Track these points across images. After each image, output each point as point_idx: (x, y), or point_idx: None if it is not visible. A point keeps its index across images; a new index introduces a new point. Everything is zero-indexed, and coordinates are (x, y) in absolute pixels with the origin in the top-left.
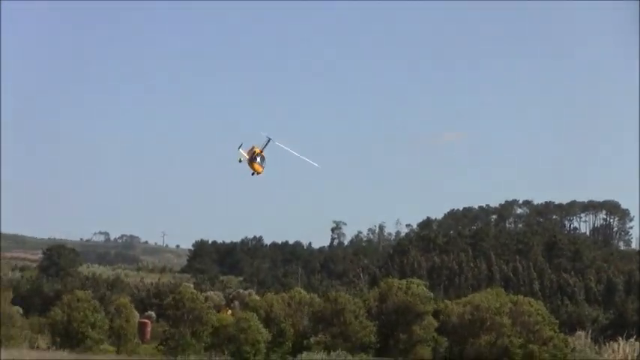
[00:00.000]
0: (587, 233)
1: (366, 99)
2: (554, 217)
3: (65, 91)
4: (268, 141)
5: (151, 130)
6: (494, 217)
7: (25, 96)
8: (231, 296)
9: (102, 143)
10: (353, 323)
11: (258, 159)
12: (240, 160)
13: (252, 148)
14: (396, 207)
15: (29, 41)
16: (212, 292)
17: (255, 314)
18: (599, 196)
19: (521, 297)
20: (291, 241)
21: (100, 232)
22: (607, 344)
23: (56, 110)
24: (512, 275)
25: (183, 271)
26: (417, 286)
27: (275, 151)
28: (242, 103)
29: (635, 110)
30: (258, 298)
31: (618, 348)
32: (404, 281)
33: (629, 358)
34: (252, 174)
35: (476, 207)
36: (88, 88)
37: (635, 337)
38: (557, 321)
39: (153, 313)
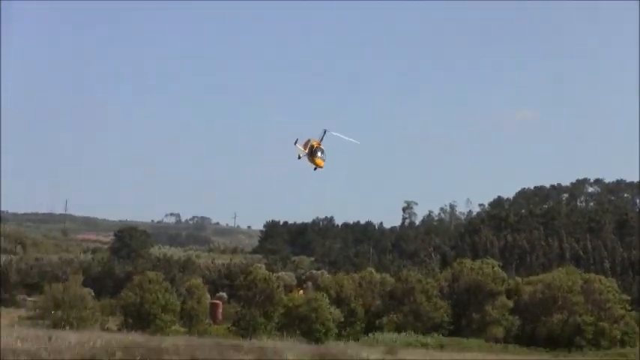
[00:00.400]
0: None
1: (437, 76)
2: (625, 195)
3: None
4: (324, 133)
5: (221, 111)
6: (565, 195)
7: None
8: (303, 277)
9: (173, 127)
10: (424, 303)
11: (319, 153)
12: (299, 157)
13: (309, 141)
14: (467, 186)
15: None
16: (284, 273)
17: (325, 294)
18: None
19: (592, 275)
20: (362, 221)
21: (172, 214)
22: None
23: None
24: (583, 254)
25: (254, 251)
26: (490, 266)
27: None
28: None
29: None
30: (329, 278)
31: None
32: (477, 262)
33: None
34: (315, 169)
35: (547, 186)
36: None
37: None
38: (629, 298)
39: (224, 294)
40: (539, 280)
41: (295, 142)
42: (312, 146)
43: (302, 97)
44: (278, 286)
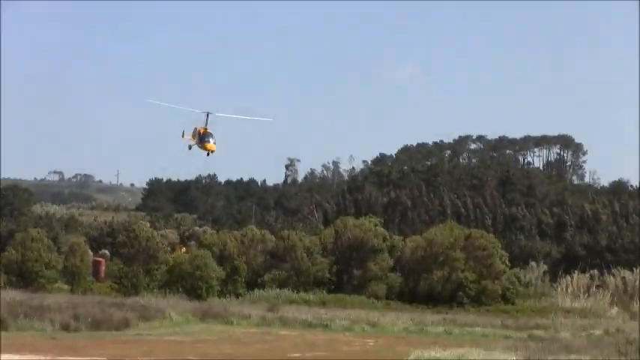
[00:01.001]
0: (541, 168)
1: (318, 32)
2: (507, 152)
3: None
4: (207, 116)
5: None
6: (447, 152)
7: None
8: (186, 234)
9: (55, 78)
10: (305, 260)
11: (209, 138)
12: (190, 147)
13: (195, 129)
14: (349, 144)
15: None
16: (167, 230)
17: (209, 252)
18: (553, 131)
19: (474, 230)
20: (245, 179)
21: (55, 172)
22: (560, 278)
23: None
24: (464, 210)
25: (137, 209)
26: (372, 223)
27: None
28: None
29: (589, 41)
30: (212, 235)
31: (571, 281)
32: (359, 219)
33: (582, 290)
34: (208, 154)
35: (430, 143)
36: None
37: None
38: (508, 254)
39: (107, 252)
40: (420, 237)
41: (182, 135)
42: (199, 133)
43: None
44: (161, 244)
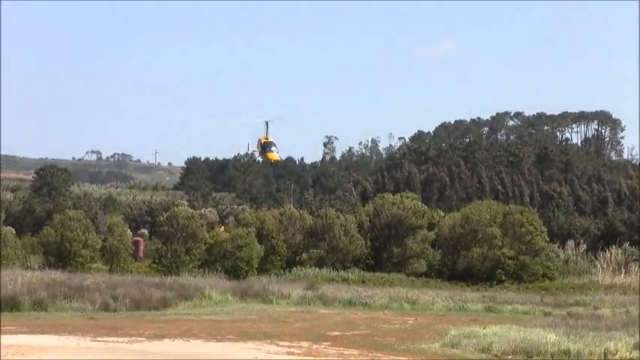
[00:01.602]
0: (579, 144)
1: (354, 10)
2: (545, 128)
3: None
4: (267, 125)
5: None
6: (485, 129)
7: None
8: (224, 213)
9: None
10: (343, 238)
11: (272, 148)
12: (255, 158)
13: (259, 140)
14: (388, 122)
15: None
16: (205, 210)
17: (250, 230)
18: (591, 107)
19: (512, 207)
20: (283, 157)
21: (92, 151)
22: (599, 254)
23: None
24: (502, 187)
25: (175, 188)
26: (410, 199)
27: None
28: None
29: (630, 19)
30: (251, 214)
31: (610, 257)
32: (397, 196)
33: (622, 264)
34: (271, 164)
35: (467, 120)
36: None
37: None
38: (546, 229)
39: (146, 232)
40: (459, 214)
41: (248, 147)
42: (261, 143)
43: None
44: (201, 224)
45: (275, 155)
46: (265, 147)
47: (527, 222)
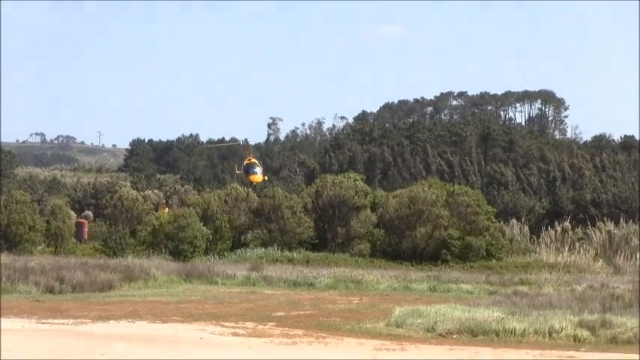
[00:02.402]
0: (523, 123)
1: None
2: (489, 107)
3: None
4: (247, 145)
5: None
6: (429, 109)
7: None
8: (168, 194)
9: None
10: (290, 219)
11: (255, 169)
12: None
13: (244, 162)
14: (332, 102)
15: None
16: (149, 191)
17: (192, 211)
18: (534, 86)
19: (457, 187)
20: (227, 138)
21: (36, 134)
22: (543, 233)
23: None
24: (447, 167)
25: (120, 170)
26: (352, 180)
27: None
28: None
29: None
30: (195, 195)
31: (554, 235)
32: (339, 176)
33: (565, 245)
34: (254, 186)
35: (411, 100)
36: None
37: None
38: (494, 209)
39: (90, 213)
40: (403, 194)
41: (236, 170)
42: (244, 165)
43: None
44: (145, 205)
45: (258, 177)
46: (248, 169)
47: (473, 202)
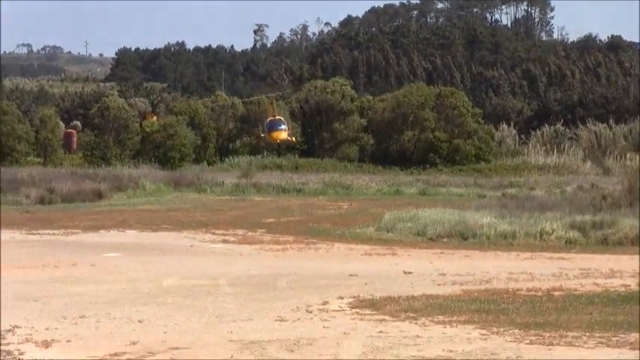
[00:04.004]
0: (509, 25)
1: None
2: (475, 10)
3: None
4: (272, 99)
5: None
6: (415, 12)
7: None
8: (155, 102)
9: None
10: None
11: (281, 126)
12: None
13: (267, 119)
14: (318, 7)
15: None
16: (136, 99)
17: (180, 118)
18: None
19: (444, 89)
20: (213, 45)
21: (23, 44)
22: (532, 135)
23: None
24: (433, 70)
25: (107, 79)
26: (340, 85)
27: None
28: None
29: None
30: (182, 103)
31: (543, 136)
32: (328, 82)
33: (554, 146)
34: (278, 145)
35: (397, 3)
36: None
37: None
38: (479, 111)
39: (78, 123)
40: (390, 98)
41: (261, 135)
42: (269, 121)
43: None
44: (132, 114)
45: (282, 134)
46: (272, 125)
47: (460, 104)
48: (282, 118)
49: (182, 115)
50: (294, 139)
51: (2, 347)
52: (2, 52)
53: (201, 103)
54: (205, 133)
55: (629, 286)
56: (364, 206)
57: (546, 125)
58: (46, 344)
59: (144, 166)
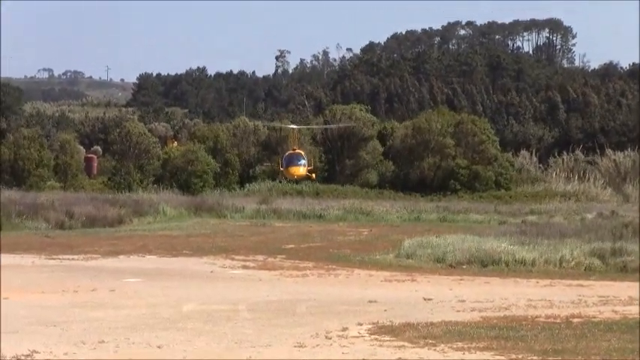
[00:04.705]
0: (531, 52)
1: None
2: (497, 37)
3: None
4: (294, 129)
5: None
6: (437, 39)
7: None
8: (177, 128)
9: None
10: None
11: (300, 161)
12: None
13: (286, 153)
14: (340, 33)
15: None
16: (157, 124)
17: (201, 145)
18: (542, 15)
19: (465, 116)
20: (235, 71)
21: (44, 69)
22: (553, 162)
23: None
24: (454, 97)
25: (128, 104)
26: (360, 110)
27: None
28: None
29: None
30: (204, 128)
31: (563, 163)
32: (348, 106)
33: (575, 174)
34: (296, 182)
35: (419, 30)
36: None
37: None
38: (501, 141)
39: (99, 148)
40: (411, 124)
41: (281, 169)
42: (287, 155)
43: None
44: (154, 140)
45: (300, 170)
46: (290, 160)
47: (480, 131)
48: (303, 153)
49: (204, 141)
50: (314, 175)
51: None
52: (24, 77)
53: (223, 128)
54: (227, 158)
55: None
56: (384, 232)
57: (567, 152)
58: None
59: (165, 191)
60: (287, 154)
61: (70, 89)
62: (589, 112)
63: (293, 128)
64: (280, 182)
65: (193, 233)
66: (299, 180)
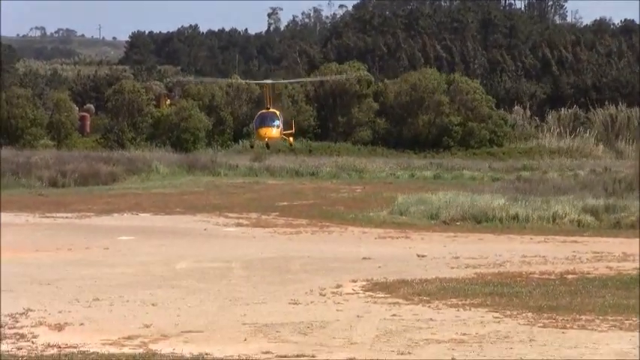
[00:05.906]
0: (522, 9)
1: None
2: None
3: None
4: (268, 85)
5: None
6: None
7: None
8: (170, 86)
9: None
10: (290, 108)
11: (274, 122)
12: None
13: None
14: None
15: None
16: (151, 82)
17: (195, 103)
18: None
19: (457, 75)
20: (227, 29)
21: (36, 27)
22: (545, 118)
23: None
24: (447, 55)
25: (120, 62)
26: (355, 69)
27: None
28: None
29: None
30: (197, 86)
31: (557, 120)
32: (342, 65)
33: (567, 130)
34: (267, 146)
35: None
36: None
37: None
38: (494, 98)
39: (92, 106)
40: (404, 81)
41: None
42: (259, 115)
43: None
44: (147, 97)
45: (272, 131)
46: (262, 120)
47: (472, 90)
48: (278, 112)
49: (199, 99)
50: (292, 139)
51: (15, 330)
52: (16, 35)
53: (216, 86)
54: (221, 116)
55: None
56: (378, 190)
57: (560, 109)
58: (60, 327)
59: (157, 149)
60: (259, 113)
61: (62, 47)
62: (581, 69)
63: (267, 84)
64: (252, 147)
65: (187, 191)
66: (271, 143)
